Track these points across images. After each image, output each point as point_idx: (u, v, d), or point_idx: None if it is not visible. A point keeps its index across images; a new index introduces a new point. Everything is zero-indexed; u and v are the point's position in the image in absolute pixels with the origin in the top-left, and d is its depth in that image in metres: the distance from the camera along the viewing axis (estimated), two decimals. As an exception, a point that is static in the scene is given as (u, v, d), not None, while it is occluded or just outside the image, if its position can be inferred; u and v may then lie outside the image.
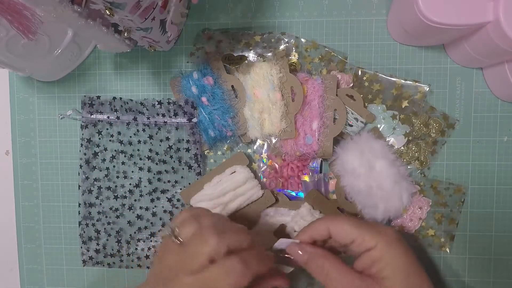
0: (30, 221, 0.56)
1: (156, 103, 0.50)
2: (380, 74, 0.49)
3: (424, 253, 0.50)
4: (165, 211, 0.53)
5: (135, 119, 0.51)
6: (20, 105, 0.55)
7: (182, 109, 0.50)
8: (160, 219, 0.53)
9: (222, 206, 0.49)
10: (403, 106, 0.49)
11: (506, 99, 0.48)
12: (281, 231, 0.50)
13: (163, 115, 0.50)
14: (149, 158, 0.52)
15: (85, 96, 0.51)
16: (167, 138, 0.51)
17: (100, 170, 0.53)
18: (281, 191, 0.51)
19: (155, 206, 0.53)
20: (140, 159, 0.52)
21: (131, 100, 0.51)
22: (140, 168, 0.52)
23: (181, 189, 0.52)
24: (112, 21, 0.38)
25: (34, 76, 0.53)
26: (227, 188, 0.49)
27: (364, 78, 0.49)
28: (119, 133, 0.52)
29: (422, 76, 0.50)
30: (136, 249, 0.53)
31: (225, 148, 0.52)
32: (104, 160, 0.52)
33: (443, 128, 0.49)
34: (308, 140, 0.48)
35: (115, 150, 0.52)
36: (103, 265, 0.53)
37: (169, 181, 0.52)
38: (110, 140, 0.52)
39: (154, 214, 0.53)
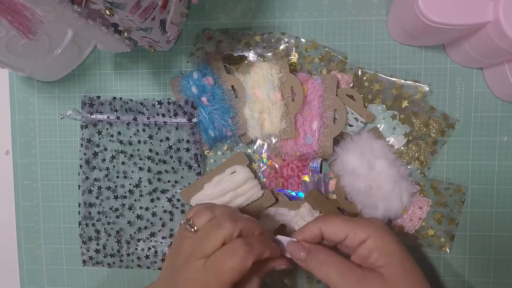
0: (30, 221, 0.56)
1: (156, 103, 0.50)
2: (380, 74, 0.49)
3: (424, 253, 0.50)
4: (165, 211, 0.53)
5: (135, 119, 0.51)
6: (20, 105, 0.55)
7: (182, 109, 0.50)
8: (160, 219, 0.53)
9: (222, 206, 0.49)
10: (403, 106, 0.49)
11: (506, 99, 0.48)
12: (281, 231, 0.50)
13: (163, 115, 0.50)
14: (149, 158, 0.52)
15: (85, 96, 0.51)
16: (167, 138, 0.51)
17: (100, 170, 0.53)
18: (281, 191, 0.51)
19: (155, 206, 0.53)
20: (140, 159, 0.52)
21: (131, 100, 0.51)
22: (140, 168, 0.52)
23: (181, 189, 0.52)
24: (112, 21, 0.38)
25: (34, 76, 0.53)
26: (227, 188, 0.49)
27: (364, 78, 0.49)
28: (119, 133, 0.52)
29: (422, 76, 0.50)
30: (136, 249, 0.53)
31: (225, 148, 0.52)
32: (104, 160, 0.53)
33: (443, 128, 0.49)
34: (308, 140, 0.48)
35: (115, 150, 0.52)
36: (103, 265, 0.53)
37: (169, 181, 0.52)
38: (110, 140, 0.52)
39: (154, 214, 0.53)
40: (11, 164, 0.56)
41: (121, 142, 0.52)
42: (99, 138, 0.52)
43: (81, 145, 0.52)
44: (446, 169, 0.50)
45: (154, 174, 0.52)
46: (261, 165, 0.51)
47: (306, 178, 0.50)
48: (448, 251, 0.50)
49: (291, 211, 0.49)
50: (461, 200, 0.49)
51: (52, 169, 0.55)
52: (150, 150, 0.52)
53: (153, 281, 0.44)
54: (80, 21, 0.36)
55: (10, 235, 0.56)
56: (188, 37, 0.52)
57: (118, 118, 0.51)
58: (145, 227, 0.53)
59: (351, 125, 0.49)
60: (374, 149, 0.47)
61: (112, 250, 0.53)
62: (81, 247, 0.53)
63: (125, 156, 0.52)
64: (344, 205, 0.49)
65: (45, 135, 0.55)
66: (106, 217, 0.53)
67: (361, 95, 0.49)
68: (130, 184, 0.53)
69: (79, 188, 0.53)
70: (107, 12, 0.35)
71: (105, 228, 0.53)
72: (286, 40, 0.50)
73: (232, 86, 0.50)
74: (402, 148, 0.49)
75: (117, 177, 0.53)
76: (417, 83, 0.49)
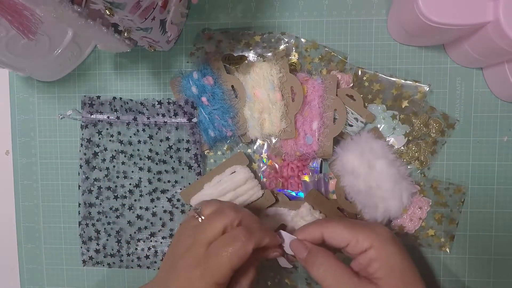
0: (30, 221, 0.56)
1: (156, 103, 0.50)
2: (380, 74, 0.49)
3: (424, 253, 0.50)
4: (165, 211, 0.53)
5: (135, 119, 0.51)
6: (20, 105, 0.55)
7: (182, 109, 0.50)
8: (160, 219, 0.53)
9: (222, 206, 0.49)
10: (403, 106, 0.49)
11: (506, 99, 0.48)
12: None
13: (163, 115, 0.50)
14: (149, 158, 0.52)
15: (85, 96, 0.51)
16: (167, 138, 0.51)
17: (100, 170, 0.53)
18: (281, 191, 0.51)
19: (155, 206, 0.53)
20: (140, 159, 0.52)
21: (131, 100, 0.51)
22: (140, 168, 0.52)
23: (181, 189, 0.52)
24: (112, 21, 0.38)
25: (34, 76, 0.53)
26: (227, 188, 0.49)
27: (364, 78, 0.49)
28: (119, 133, 0.52)
29: (422, 76, 0.50)
30: (136, 249, 0.53)
31: (225, 148, 0.52)
32: (104, 160, 0.53)
33: (443, 128, 0.49)
34: (308, 140, 0.48)
35: (115, 150, 0.52)
36: (103, 265, 0.53)
37: (169, 181, 0.52)
38: (110, 140, 0.52)
39: (154, 214, 0.53)
40: (11, 164, 0.56)
41: (121, 142, 0.52)
42: (99, 138, 0.52)
43: (81, 145, 0.52)
44: (446, 169, 0.50)
45: (154, 174, 0.52)
46: (261, 165, 0.51)
47: (306, 178, 0.50)
48: (448, 251, 0.50)
49: (291, 211, 0.49)
50: (461, 200, 0.49)
51: (52, 169, 0.55)
52: (150, 150, 0.52)
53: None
54: (80, 21, 0.36)
55: (10, 235, 0.56)
56: (188, 37, 0.52)
57: (118, 118, 0.51)
58: (145, 227, 0.53)
59: (351, 125, 0.49)
60: (374, 149, 0.47)
61: (112, 250, 0.53)
62: (81, 247, 0.53)
63: (125, 156, 0.52)
64: (344, 205, 0.49)
65: (45, 135, 0.55)
66: (106, 217, 0.53)
67: (361, 95, 0.49)
68: (130, 184, 0.53)
69: (79, 188, 0.53)
70: (107, 12, 0.35)
71: (105, 228, 0.53)
72: (286, 40, 0.50)
73: (232, 86, 0.50)
74: (402, 148, 0.49)
75: (117, 177, 0.53)
76: (417, 83, 0.49)
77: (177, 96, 0.51)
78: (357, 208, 0.48)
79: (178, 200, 0.52)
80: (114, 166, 0.53)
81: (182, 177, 0.52)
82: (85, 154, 0.52)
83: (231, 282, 0.38)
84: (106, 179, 0.53)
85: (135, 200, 0.53)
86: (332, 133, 0.48)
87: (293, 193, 0.51)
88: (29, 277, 0.56)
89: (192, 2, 0.44)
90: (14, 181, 0.56)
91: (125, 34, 0.41)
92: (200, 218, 0.40)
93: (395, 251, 0.38)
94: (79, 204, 0.53)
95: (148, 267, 0.53)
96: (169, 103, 0.50)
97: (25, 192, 0.56)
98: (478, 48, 0.43)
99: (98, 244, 0.53)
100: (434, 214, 0.49)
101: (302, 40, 0.50)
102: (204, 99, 0.50)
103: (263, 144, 0.51)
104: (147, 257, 0.53)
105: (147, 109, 0.50)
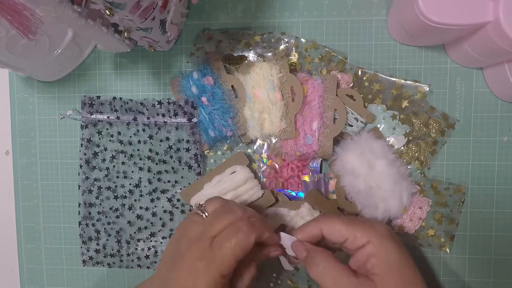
0: (30, 221, 0.56)
1: (156, 103, 0.50)
2: (380, 74, 0.49)
3: (424, 253, 0.50)
4: (165, 211, 0.53)
5: (135, 119, 0.51)
6: (20, 105, 0.55)
7: (182, 109, 0.50)
8: (160, 219, 0.53)
9: (222, 206, 0.49)
10: (403, 106, 0.49)
11: (506, 99, 0.48)
12: (281, 231, 0.50)
13: (163, 115, 0.50)
14: (149, 158, 0.52)
15: (85, 96, 0.51)
16: (167, 138, 0.51)
17: (100, 170, 0.53)
18: (281, 191, 0.51)
19: (155, 206, 0.53)
20: (140, 159, 0.52)
21: (131, 100, 0.51)
22: (140, 168, 0.52)
23: (181, 189, 0.52)
24: (112, 21, 0.38)
25: (34, 76, 0.53)
26: (227, 188, 0.49)
27: (364, 78, 0.49)
28: (119, 133, 0.52)
29: (422, 76, 0.50)
30: (136, 249, 0.53)
31: (225, 148, 0.52)
32: (104, 160, 0.53)
33: (443, 128, 0.49)
34: (308, 140, 0.48)
35: (115, 150, 0.52)
36: (103, 265, 0.53)
37: (169, 181, 0.52)
38: (110, 140, 0.52)
39: (154, 214, 0.53)
40: (11, 164, 0.56)
41: (121, 142, 0.52)
42: (99, 138, 0.52)
43: (81, 145, 0.52)
44: (446, 169, 0.50)
45: (154, 174, 0.52)
46: (261, 165, 0.51)
47: (306, 178, 0.50)
48: (448, 251, 0.50)
49: (291, 211, 0.49)
50: (461, 200, 0.49)
51: (52, 169, 0.55)
52: (150, 150, 0.52)
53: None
54: (80, 21, 0.36)
55: (10, 235, 0.56)
56: (188, 37, 0.52)
57: (118, 118, 0.51)
58: (145, 227, 0.53)
59: (351, 125, 0.49)
60: (374, 149, 0.47)
61: (112, 250, 0.53)
62: (81, 247, 0.53)
63: (125, 156, 0.52)
64: (344, 205, 0.49)
65: (45, 135, 0.55)
66: (106, 217, 0.53)
67: (361, 95, 0.49)
68: (130, 184, 0.53)
69: (79, 188, 0.53)
70: (107, 12, 0.35)
71: (105, 228, 0.53)
72: (286, 40, 0.50)
73: (232, 86, 0.50)
74: (402, 148, 0.49)
75: (117, 177, 0.53)
76: (417, 83, 0.49)
77: (177, 96, 0.51)
78: (357, 208, 0.48)
79: (178, 200, 0.52)
80: (114, 166, 0.53)
81: (182, 177, 0.52)
82: (85, 154, 0.52)
83: (234, 277, 0.39)
84: (106, 179, 0.53)
85: (135, 200, 0.53)
86: (332, 133, 0.48)
87: (293, 193, 0.51)
88: (29, 277, 0.56)
89: (192, 2, 0.44)
90: (14, 181, 0.56)
91: (125, 34, 0.41)
92: (204, 215, 0.40)
93: (394, 247, 0.38)
94: (79, 204, 0.53)
95: (148, 267, 0.53)
96: (169, 103, 0.50)
97: (25, 192, 0.56)
98: (478, 48, 0.43)
99: (98, 244, 0.53)
100: (434, 214, 0.49)
101: (302, 40, 0.50)
102: (204, 99, 0.50)
103: (263, 144, 0.51)
104: (147, 257, 0.53)
105: (147, 109, 0.50)
